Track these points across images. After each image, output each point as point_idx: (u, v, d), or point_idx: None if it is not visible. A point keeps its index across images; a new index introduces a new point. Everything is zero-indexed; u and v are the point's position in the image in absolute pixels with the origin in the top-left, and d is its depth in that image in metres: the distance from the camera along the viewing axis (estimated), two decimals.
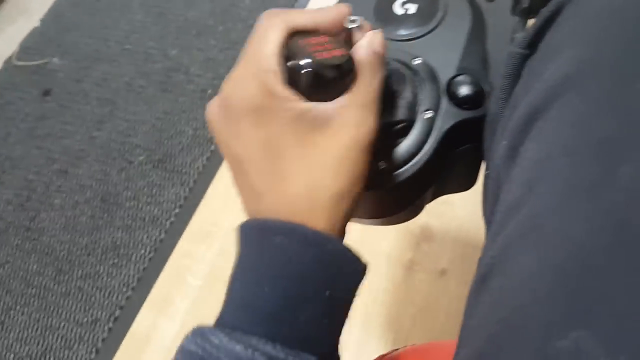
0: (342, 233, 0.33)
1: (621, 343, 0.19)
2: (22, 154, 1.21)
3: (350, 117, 0.32)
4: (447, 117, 0.38)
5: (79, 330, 0.98)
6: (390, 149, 0.37)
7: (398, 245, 0.95)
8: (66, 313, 1.00)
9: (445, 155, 0.39)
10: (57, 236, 1.09)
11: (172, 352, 0.30)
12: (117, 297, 1.00)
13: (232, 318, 0.30)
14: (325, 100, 0.32)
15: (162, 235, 1.05)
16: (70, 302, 1.01)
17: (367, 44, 0.33)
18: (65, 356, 0.96)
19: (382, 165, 0.37)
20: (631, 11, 0.25)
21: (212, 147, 1.14)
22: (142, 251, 1.04)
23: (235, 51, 1.27)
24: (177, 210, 1.07)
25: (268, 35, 0.31)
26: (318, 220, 0.31)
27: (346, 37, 0.35)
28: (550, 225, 0.23)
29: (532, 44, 0.30)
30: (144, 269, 1.02)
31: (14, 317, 1.02)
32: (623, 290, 0.20)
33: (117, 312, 0.99)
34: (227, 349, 0.27)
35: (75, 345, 0.97)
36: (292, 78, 0.31)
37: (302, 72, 0.31)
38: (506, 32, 0.42)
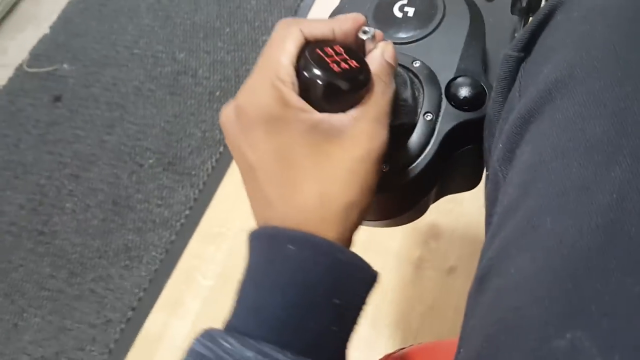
0: (350, 242, 0.33)
1: (615, 343, 0.19)
2: (33, 159, 1.22)
3: (363, 130, 0.32)
4: (448, 118, 0.38)
5: (91, 331, 1.00)
6: (393, 152, 0.37)
7: (406, 243, 0.94)
8: (79, 315, 1.02)
9: (447, 156, 0.39)
10: (70, 239, 1.10)
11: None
12: (129, 298, 1.01)
13: (241, 323, 0.30)
14: (338, 111, 0.32)
15: (173, 237, 1.06)
16: (83, 304, 1.03)
17: (381, 56, 0.33)
18: (79, 357, 0.98)
19: (385, 168, 0.37)
20: (617, 12, 0.25)
21: (221, 149, 1.15)
22: (153, 253, 1.05)
23: (242, 53, 1.27)
24: (187, 212, 1.08)
25: (284, 44, 0.32)
26: (328, 229, 0.31)
27: (358, 46, 0.35)
28: (545, 226, 0.23)
29: (527, 46, 0.31)
30: (155, 270, 1.03)
31: (27, 319, 1.03)
32: (616, 290, 0.20)
33: (129, 313, 1.00)
34: (238, 354, 0.28)
35: (88, 347, 0.98)
36: (307, 88, 0.31)
37: (319, 83, 0.31)
38: (505, 31, 0.42)
